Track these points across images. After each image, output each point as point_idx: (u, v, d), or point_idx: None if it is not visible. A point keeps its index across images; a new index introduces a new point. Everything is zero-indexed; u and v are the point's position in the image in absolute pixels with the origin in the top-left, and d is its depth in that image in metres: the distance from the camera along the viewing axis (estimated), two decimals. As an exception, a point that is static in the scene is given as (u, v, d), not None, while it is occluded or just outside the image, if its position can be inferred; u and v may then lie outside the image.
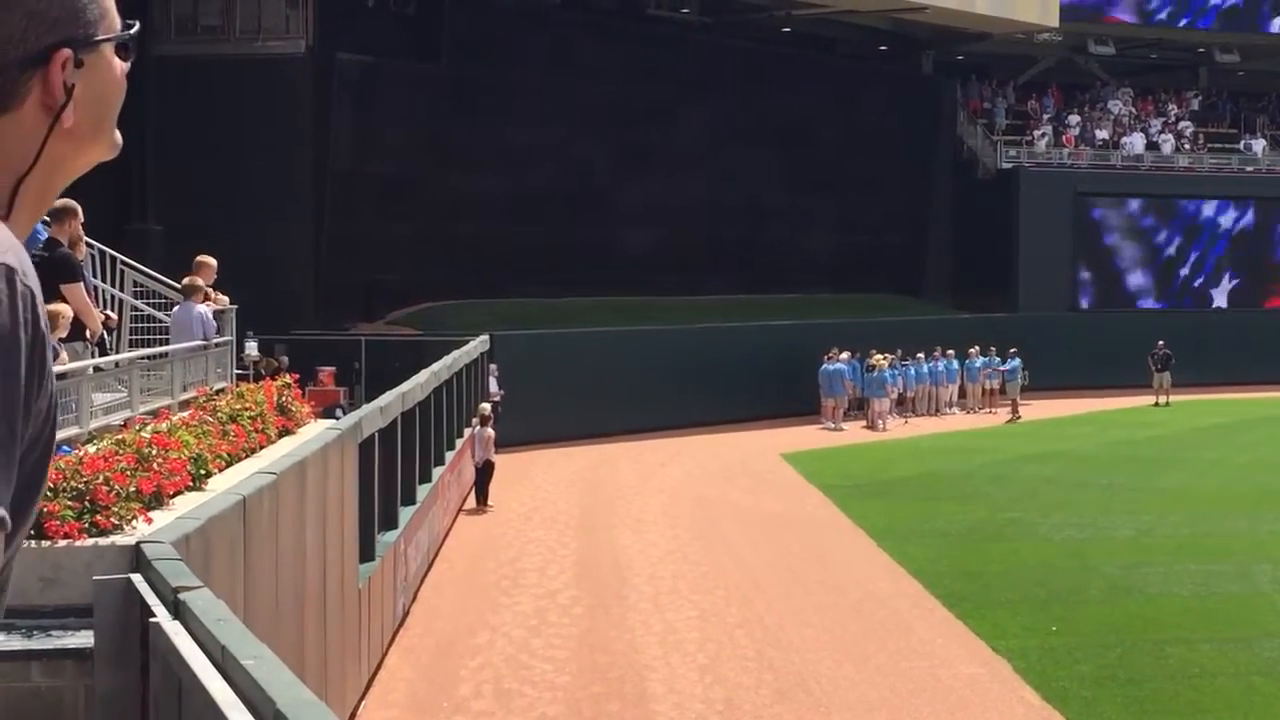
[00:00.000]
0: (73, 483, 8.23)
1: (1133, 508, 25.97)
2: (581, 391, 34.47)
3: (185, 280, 15.19)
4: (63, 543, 8.01)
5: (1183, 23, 50.49)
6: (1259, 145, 52.38)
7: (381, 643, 16.36)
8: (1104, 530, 24.01)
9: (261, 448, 12.31)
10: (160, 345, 14.73)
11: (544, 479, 29.64)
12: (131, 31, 1.89)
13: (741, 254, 42.94)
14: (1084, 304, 48.12)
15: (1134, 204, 49.17)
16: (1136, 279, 49.26)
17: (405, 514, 18.70)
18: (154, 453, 9.37)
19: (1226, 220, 50.20)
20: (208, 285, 15.62)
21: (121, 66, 1.89)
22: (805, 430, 37.43)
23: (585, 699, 14.99)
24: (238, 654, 5.10)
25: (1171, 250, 49.54)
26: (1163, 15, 50.18)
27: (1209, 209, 49.98)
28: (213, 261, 15.72)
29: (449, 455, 24.77)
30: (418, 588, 19.65)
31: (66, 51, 1.78)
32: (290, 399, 14.14)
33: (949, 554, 22.15)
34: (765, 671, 15.93)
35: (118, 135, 1.92)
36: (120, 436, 9.96)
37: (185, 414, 12.31)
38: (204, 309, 15.19)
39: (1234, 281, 50.30)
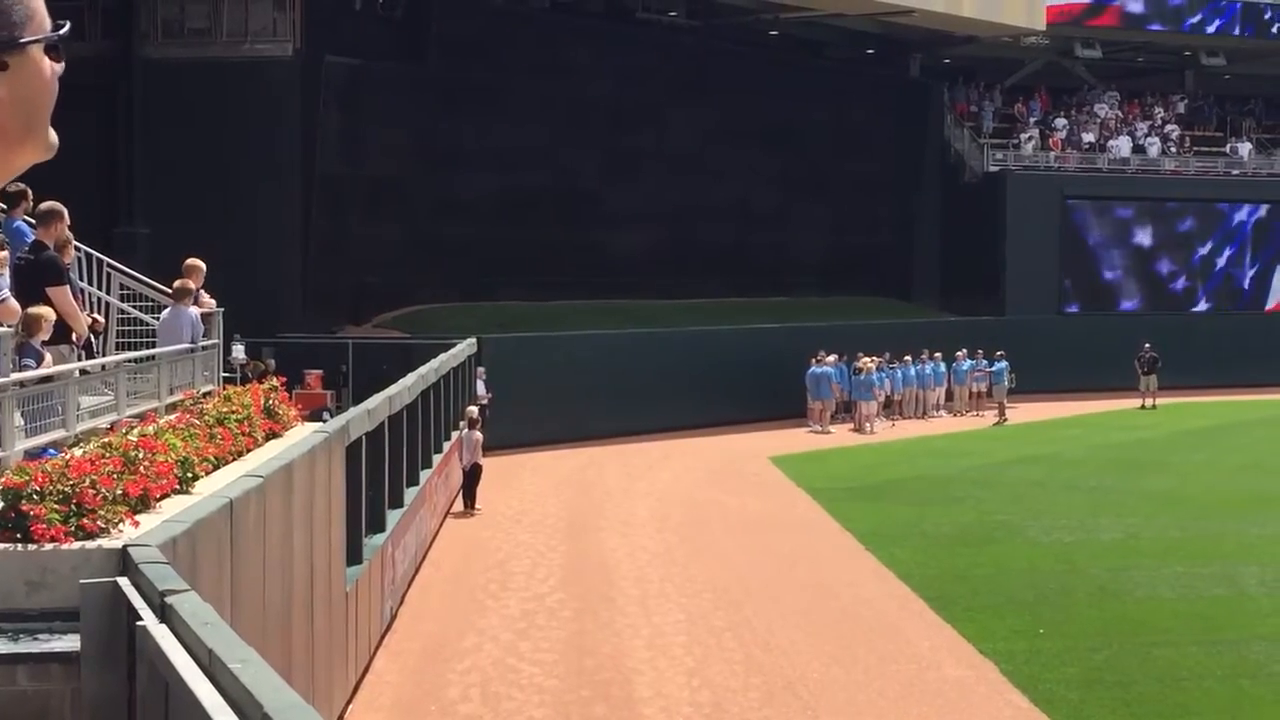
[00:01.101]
0: (59, 486, 8.20)
1: (1120, 510, 26.01)
2: (569, 394, 34.46)
3: (177, 284, 15.14)
4: (49, 546, 7.98)
5: (1166, 26, 50.60)
6: (1245, 148, 52.50)
7: (369, 646, 16.34)
8: (1091, 533, 24.04)
9: (248, 451, 12.28)
10: (147, 348, 14.69)
11: (532, 482, 29.63)
12: (60, 33, 1.87)
13: (729, 257, 42.96)
14: (1070, 307, 48.18)
15: (1120, 207, 49.24)
16: (1123, 282, 49.33)
17: (393, 517, 18.69)
18: (141, 456, 9.33)
19: (1213, 223, 50.29)
20: (198, 288, 15.59)
21: (53, 68, 1.87)
22: (793, 433, 37.44)
23: (573, 702, 14.98)
24: (225, 657, 5.09)
25: (1158, 253, 49.62)
26: (1149, 17, 50.25)
27: (1195, 212, 50.07)
28: (202, 265, 15.68)
29: (436, 458, 24.76)
30: (405, 591, 19.63)
31: None
32: (277, 402, 14.10)
33: (936, 557, 22.17)
34: (753, 674, 15.93)
35: (53, 136, 1.90)
36: (107, 439, 9.93)
37: (172, 417, 12.27)
38: (194, 312, 15.16)
39: (1221, 284, 50.39)
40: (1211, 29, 50.79)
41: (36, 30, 1.84)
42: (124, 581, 7.34)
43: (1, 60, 1.79)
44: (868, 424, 38.75)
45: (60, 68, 1.89)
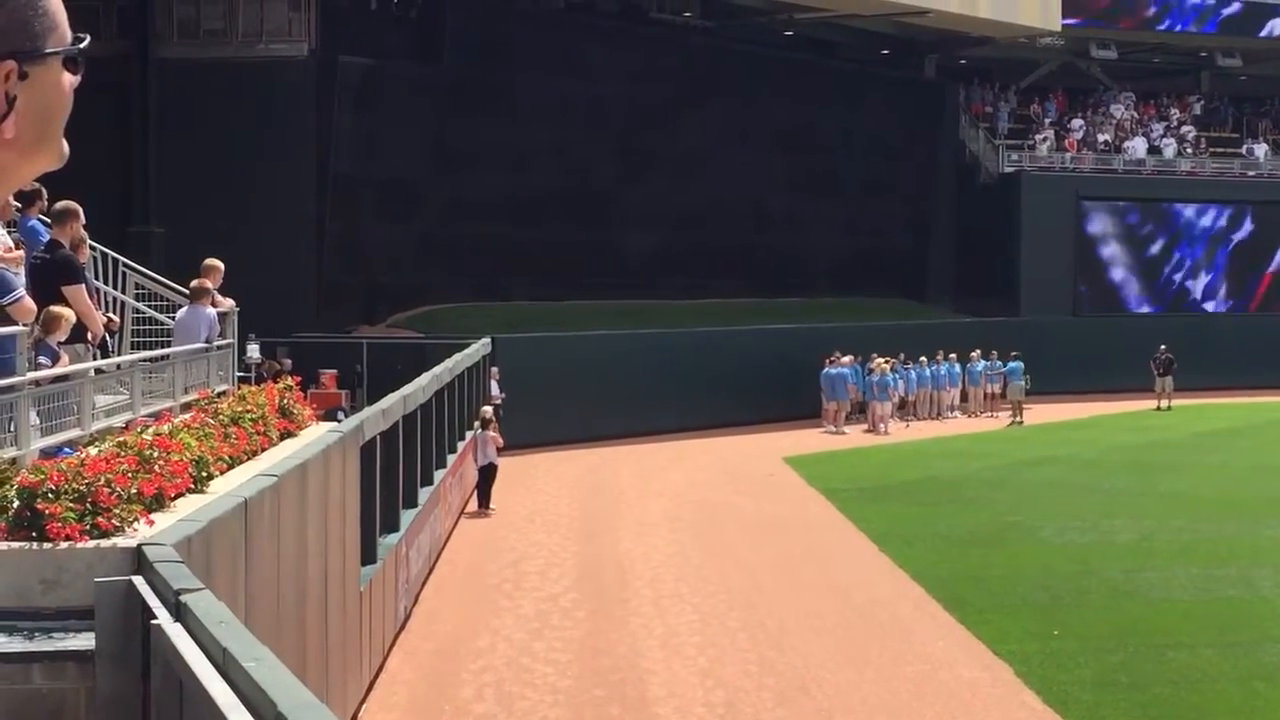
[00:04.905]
0: (74, 484, 8.22)
1: (1135, 512, 25.95)
2: (583, 395, 34.46)
3: (194, 283, 15.18)
4: (64, 545, 8.00)
5: (1185, 27, 50.48)
6: (1261, 149, 52.35)
7: (383, 645, 16.35)
8: (1106, 534, 23.99)
9: (263, 450, 12.30)
10: (162, 348, 14.73)
11: (546, 482, 29.64)
12: (80, 46, 1.90)
13: (744, 257, 42.93)
14: (1086, 308, 48.08)
15: (1136, 208, 49.15)
16: (1138, 283, 49.23)
17: (407, 516, 18.70)
18: (156, 455, 9.35)
19: (1228, 225, 50.18)
20: (215, 288, 15.62)
21: (70, 80, 1.90)
22: (807, 434, 37.41)
23: (586, 702, 14.98)
24: (239, 656, 5.10)
25: (1173, 254, 49.52)
26: (1165, 19, 50.16)
27: (1211, 213, 49.95)
28: (220, 265, 15.72)
29: (451, 458, 24.78)
30: (419, 590, 19.64)
31: (11, 63, 1.80)
32: (292, 401, 14.12)
33: (950, 558, 22.14)
34: (766, 675, 15.92)
35: (64, 145, 1.93)
36: (122, 439, 9.95)
37: (187, 416, 12.30)
38: (211, 312, 15.19)
39: (1236, 285, 50.26)
40: (1225, 29, 50.67)
41: (58, 42, 1.87)
42: (139, 580, 7.36)
43: (23, 70, 1.81)
44: (882, 425, 38.72)
45: (77, 79, 1.92)
